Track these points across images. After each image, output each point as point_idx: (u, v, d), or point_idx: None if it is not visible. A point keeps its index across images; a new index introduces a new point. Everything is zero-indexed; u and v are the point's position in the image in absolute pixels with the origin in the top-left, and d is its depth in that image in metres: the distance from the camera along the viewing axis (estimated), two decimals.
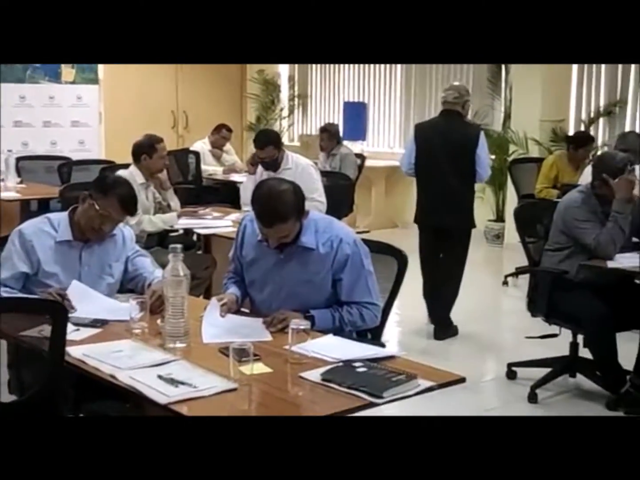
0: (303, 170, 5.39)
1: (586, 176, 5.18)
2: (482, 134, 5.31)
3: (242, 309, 3.14)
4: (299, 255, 3.00)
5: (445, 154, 5.22)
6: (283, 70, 10.67)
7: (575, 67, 8.03)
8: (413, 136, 5.45)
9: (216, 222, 5.21)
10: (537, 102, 7.90)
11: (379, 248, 3.22)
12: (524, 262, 4.67)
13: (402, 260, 3.17)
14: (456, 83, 5.81)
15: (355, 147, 8.86)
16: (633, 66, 7.69)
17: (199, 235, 5.36)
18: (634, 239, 4.33)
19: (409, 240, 5.60)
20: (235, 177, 7.57)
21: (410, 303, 5.54)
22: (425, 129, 5.45)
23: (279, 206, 2.86)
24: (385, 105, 9.81)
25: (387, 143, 9.81)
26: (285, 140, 9.39)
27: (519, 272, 6.63)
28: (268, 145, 5.35)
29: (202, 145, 8.10)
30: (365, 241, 3.12)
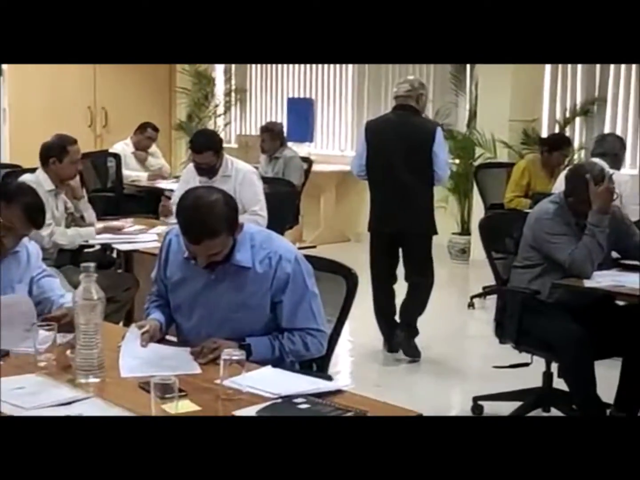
0: (244, 178, 5.38)
1: (561, 183, 5.26)
2: (439, 130, 5.45)
3: (168, 337, 3.11)
4: (233, 275, 2.99)
5: (398, 151, 5.36)
6: None
7: None
8: (364, 135, 5.56)
9: (139, 236, 5.17)
10: (506, 99, 8.01)
11: (325, 266, 3.22)
12: (492, 280, 4.71)
13: (351, 280, 3.17)
14: (410, 77, 5.92)
15: (301, 149, 8.88)
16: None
17: (118, 251, 5.31)
18: (613, 254, 4.40)
19: (363, 256, 5.63)
20: (161, 184, 7.52)
21: (362, 327, 5.56)
22: (377, 125, 5.60)
23: (207, 219, 2.83)
24: (335, 102, 9.85)
25: (337, 145, 9.86)
26: None
27: (486, 292, 6.71)
28: (207, 149, 5.30)
29: (123, 147, 8.03)
30: (309, 258, 3.12)
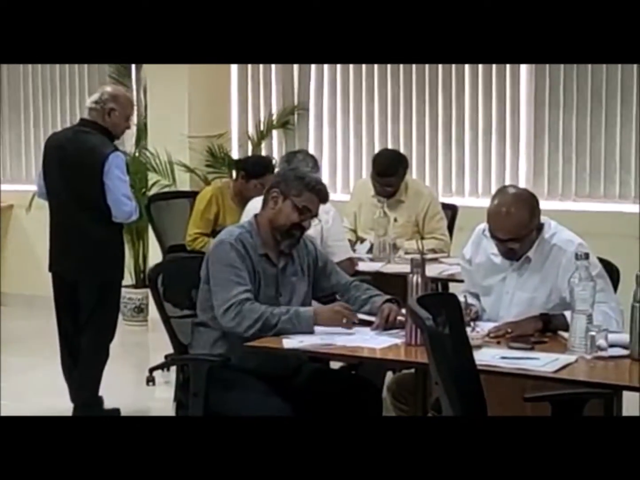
0: None
1: (247, 215, 5.35)
2: (113, 157, 5.63)
3: None
4: None
5: (64, 177, 5.74)
6: None
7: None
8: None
9: None
10: (183, 109, 8.11)
11: None
12: None
13: None
14: (108, 87, 6.08)
15: None
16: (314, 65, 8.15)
17: None
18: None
19: (9, 324, 5.49)
20: None
21: None
22: (53, 141, 5.99)
23: None
24: None
25: None
26: None
27: (169, 362, 6.64)
28: None
29: None
30: None
